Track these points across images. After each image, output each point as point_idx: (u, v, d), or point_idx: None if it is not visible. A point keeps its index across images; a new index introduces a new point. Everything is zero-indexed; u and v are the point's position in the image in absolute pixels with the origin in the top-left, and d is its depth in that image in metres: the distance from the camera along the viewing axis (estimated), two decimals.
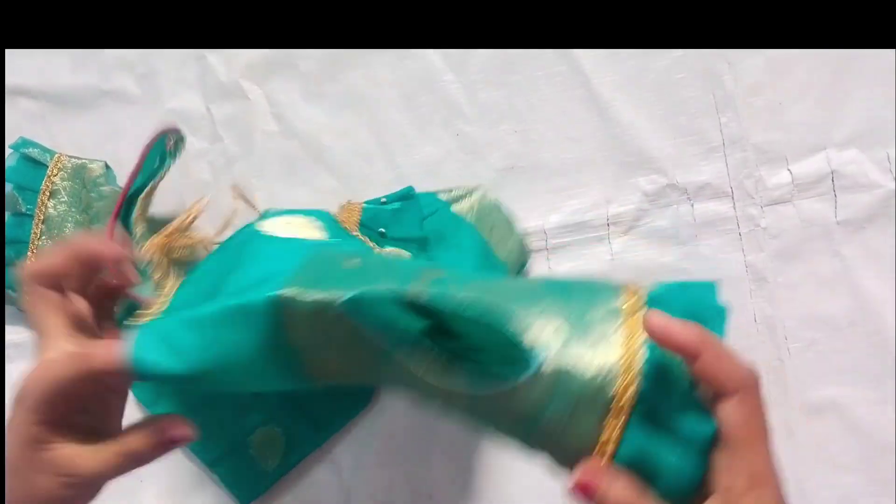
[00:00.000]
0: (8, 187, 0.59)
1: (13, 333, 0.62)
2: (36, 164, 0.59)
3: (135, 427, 0.35)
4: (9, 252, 0.59)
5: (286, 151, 0.59)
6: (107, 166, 0.59)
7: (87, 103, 0.62)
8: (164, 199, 0.60)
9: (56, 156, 0.60)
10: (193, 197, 0.60)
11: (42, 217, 0.58)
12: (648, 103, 0.54)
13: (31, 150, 0.60)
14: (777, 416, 0.51)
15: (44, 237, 0.58)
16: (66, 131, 0.62)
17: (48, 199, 0.58)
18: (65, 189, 0.59)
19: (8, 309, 0.61)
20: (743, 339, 0.52)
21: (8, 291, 0.60)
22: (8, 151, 0.60)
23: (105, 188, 0.58)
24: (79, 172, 0.59)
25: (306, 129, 0.59)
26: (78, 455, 0.33)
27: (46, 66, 0.62)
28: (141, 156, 0.52)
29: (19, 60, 0.63)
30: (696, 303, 0.32)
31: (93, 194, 0.58)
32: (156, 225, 0.55)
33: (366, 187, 0.57)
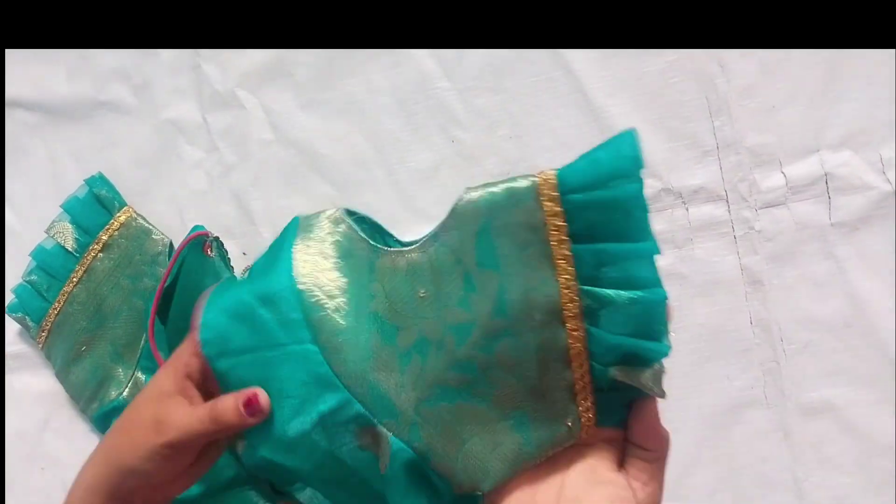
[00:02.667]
0: (66, 219, 0.58)
1: (13, 344, 0.63)
2: (101, 208, 0.59)
3: (224, 395, 0.37)
4: (40, 281, 0.58)
5: (282, 159, 0.59)
6: (171, 245, 0.59)
7: (83, 114, 0.62)
8: (162, 208, 0.61)
9: (125, 208, 0.59)
10: (191, 206, 0.60)
11: (87, 266, 0.57)
12: (642, 108, 0.54)
13: (103, 191, 0.59)
14: (774, 418, 0.51)
15: (81, 285, 0.57)
16: (62, 142, 0.62)
17: (100, 251, 0.57)
18: (120, 247, 0.58)
19: (9, 322, 0.62)
20: (739, 342, 0.52)
21: (9, 315, 0.60)
22: (80, 183, 0.60)
23: (162, 270, 0.57)
24: (140, 237, 0.58)
25: (302, 137, 0.59)
26: (179, 409, 0.36)
27: (42, 78, 0.62)
28: (174, 255, 0.53)
29: (15, 72, 0.63)
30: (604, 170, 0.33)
31: (145, 267, 0.57)
32: None
33: (362, 194, 0.58)
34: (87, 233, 0.58)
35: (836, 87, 0.52)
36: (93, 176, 0.60)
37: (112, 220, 0.58)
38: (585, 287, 0.33)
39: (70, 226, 0.58)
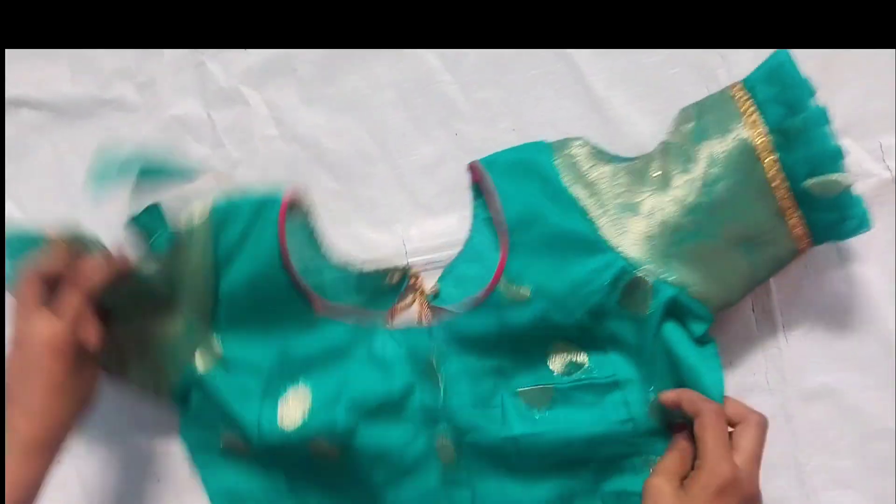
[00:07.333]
0: None
1: None
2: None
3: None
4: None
5: (287, 155, 0.60)
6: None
7: (87, 112, 0.62)
8: (171, 205, 0.61)
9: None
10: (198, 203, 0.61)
11: None
12: (643, 99, 0.54)
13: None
14: (775, 402, 0.52)
15: None
16: (67, 141, 0.63)
17: None
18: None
19: None
20: (741, 329, 0.53)
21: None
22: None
23: None
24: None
25: (306, 133, 0.59)
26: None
27: (46, 77, 0.63)
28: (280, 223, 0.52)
29: (19, 71, 0.63)
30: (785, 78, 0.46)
31: None
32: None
33: (366, 188, 0.58)
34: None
35: (836, 75, 0.52)
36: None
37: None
38: (771, 128, 0.46)
39: None
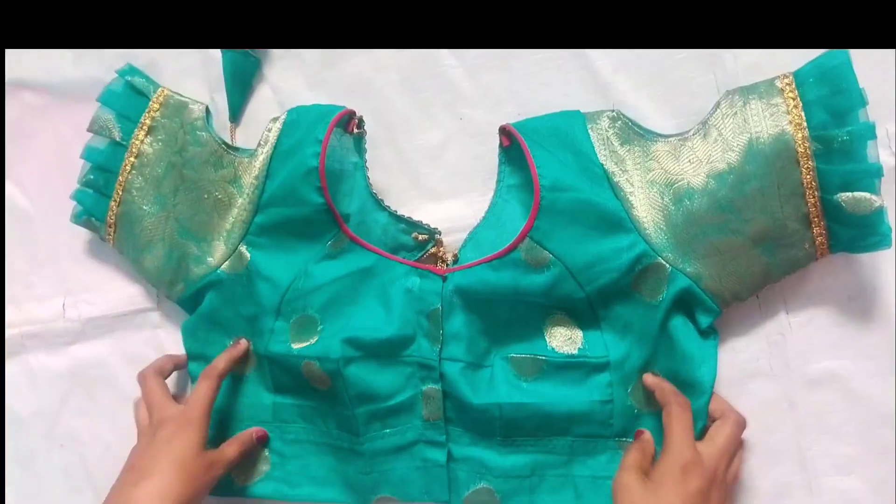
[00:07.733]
0: (106, 112, 0.58)
1: (28, 324, 0.63)
2: (138, 94, 0.58)
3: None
4: (97, 179, 0.58)
5: None
6: (207, 110, 0.58)
7: (89, 95, 0.61)
8: None
9: (159, 90, 0.58)
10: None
11: (136, 151, 0.57)
12: (650, 84, 0.54)
13: (135, 78, 0.58)
14: (779, 389, 0.52)
15: (134, 172, 0.57)
16: (69, 124, 0.63)
17: (145, 135, 0.57)
18: (163, 127, 0.57)
19: (20, 304, 0.62)
20: (746, 315, 0.53)
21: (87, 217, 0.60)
22: (113, 76, 0.59)
23: (203, 134, 0.56)
24: (179, 111, 0.58)
25: None
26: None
27: (48, 59, 0.62)
28: (327, 132, 0.51)
29: (21, 54, 0.63)
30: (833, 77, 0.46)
31: (189, 137, 0.56)
32: None
33: (371, 172, 0.58)
34: (129, 119, 0.58)
35: None
36: (122, 67, 0.59)
37: (151, 103, 0.58)
38: (814, 133, 0.46)
39: (111, 116, 0.58)
